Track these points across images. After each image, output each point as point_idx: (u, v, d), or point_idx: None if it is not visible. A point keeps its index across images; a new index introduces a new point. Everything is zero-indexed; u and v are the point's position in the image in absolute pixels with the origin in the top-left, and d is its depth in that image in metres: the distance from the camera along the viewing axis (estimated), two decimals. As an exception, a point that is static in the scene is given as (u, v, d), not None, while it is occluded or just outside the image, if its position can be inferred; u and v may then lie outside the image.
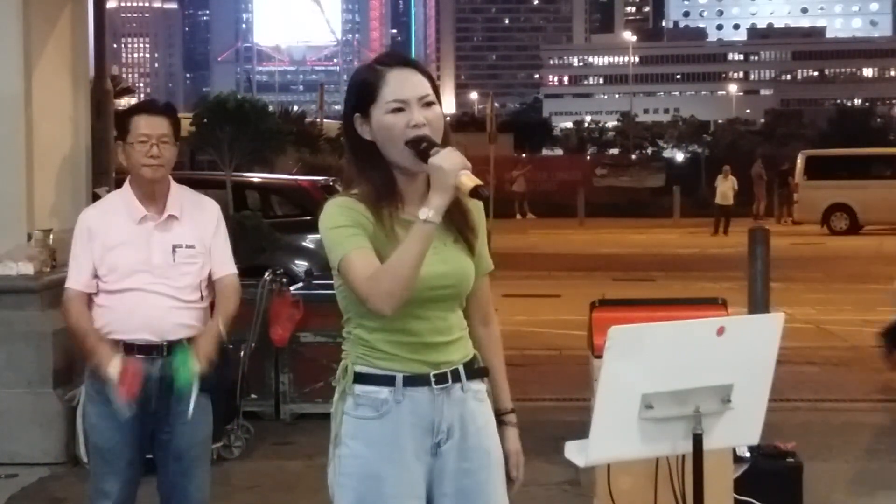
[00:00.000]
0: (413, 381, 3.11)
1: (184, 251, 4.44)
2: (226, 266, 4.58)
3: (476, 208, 3.23)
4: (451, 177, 2.92)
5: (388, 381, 3.11)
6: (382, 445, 3.10)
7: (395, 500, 3.10)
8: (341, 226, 3.05)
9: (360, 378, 3.13)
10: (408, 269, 2.94)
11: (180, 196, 4.53)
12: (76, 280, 4.47)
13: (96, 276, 4.44)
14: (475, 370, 3.22)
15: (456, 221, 3.14)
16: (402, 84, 3.07)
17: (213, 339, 4.43)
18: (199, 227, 4.51)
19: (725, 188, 30.06)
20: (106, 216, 4.51)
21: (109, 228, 4.44)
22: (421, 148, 3.01)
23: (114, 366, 4.29)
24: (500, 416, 3.29)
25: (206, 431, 4.60)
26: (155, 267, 4.40)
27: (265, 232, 9.32)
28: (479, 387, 3.23)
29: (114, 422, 4.41)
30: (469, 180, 2.93)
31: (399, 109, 3.05)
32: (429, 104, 3.07)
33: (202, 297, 4.50)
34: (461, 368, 3.17)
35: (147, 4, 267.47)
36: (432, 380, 3.12)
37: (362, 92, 3.10)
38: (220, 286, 4.55)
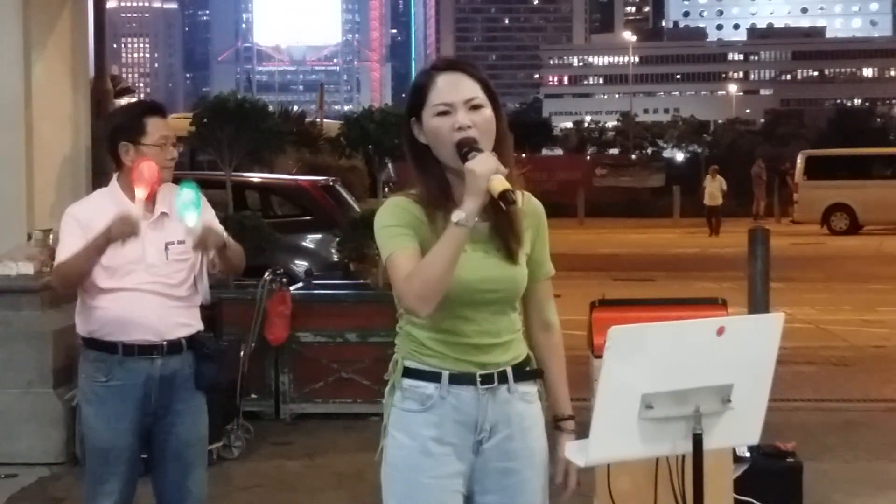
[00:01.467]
0: (459, 379, 3.16)
1: (176, 247, 4.44)
2: (225, 234, 4.61)
3: (533, 215, 3.25)
4: (482, 181, 2.95)
5: (434, 377, 3.16)
6: (425, 438, 3.16)
7: (435, 493, 3.15)
8: (390, 225, 3.11)
9: (409, 373, 3.19)
10: (438, 272, 2.97)
11: (167, 192, 4.51)
12: (66, 254, 4.40)
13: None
14: (526, 372, 3.25)
15: (502, 230, 3.16)
16: (449, 87, 3.11)
17: (219, 234, 4.41)
18: None
19: (714, 188, 29.93)
20: (95, 213, 4.45)
21: (99, 224, 4.39)
22: (462, 152, 3.04)
23: (135, 209, 4.28)
24: (557, 421, 3.33)
25: (204, 430, 4.61)
26: (150, 266, 4.40)
27: (265, 232, 9.30)
28: (529, 388, 3.25)
29: (112, 422, 4.40)
30: (499, 184, 2.95)
31: (445, 112, 3.09)
32: (476, 107, 3.11)
33: (195, 293, 4.51)
34: (509, 370, 3.20)
35: (147, 4, 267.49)
36: (478, 380, 3.16)
37: (415, 96, 3.16)
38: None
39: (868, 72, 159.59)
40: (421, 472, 3.15)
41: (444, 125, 3.09)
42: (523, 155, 47.89)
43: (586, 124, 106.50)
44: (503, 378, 3.19)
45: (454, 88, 3.11)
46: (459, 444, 3.17)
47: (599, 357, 3.51)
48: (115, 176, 4.54)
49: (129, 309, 4.37)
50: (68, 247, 4.42)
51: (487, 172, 2.95)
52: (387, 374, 3.26)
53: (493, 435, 3.19)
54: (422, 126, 3.15)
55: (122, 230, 4.26)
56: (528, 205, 3.24)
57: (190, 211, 4.32)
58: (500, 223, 3.15)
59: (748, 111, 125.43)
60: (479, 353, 3.17)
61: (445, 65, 3.19)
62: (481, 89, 3.14)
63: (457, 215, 2.96)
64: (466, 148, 3.04)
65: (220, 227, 4.57)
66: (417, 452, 3.16)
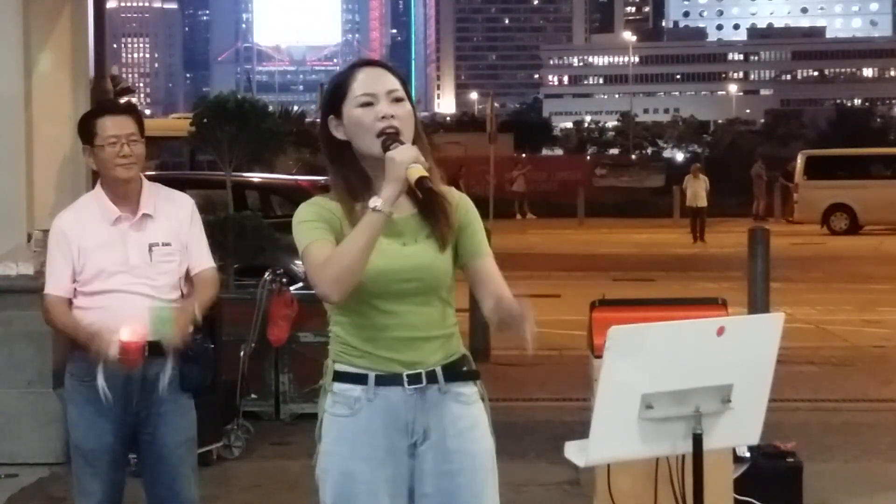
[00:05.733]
0: (385, 380, 3.15)
1: (160, 249, 4.42)
2: (203, 260, 4.55)
3: (459, 207, 3.24)
4: (400, 168, 3.01)
5: (361, 379, 3.15)
6: (355, 443, 3.14)
7: (369, 497, 3.13)
8: (306, 220, 3.18)
9: (338, 376, 3.19)
10: (353, 256, 3.01)
11: (153, 194, 4.49)
12: (55, 286, 4.43)
13: (75, 281, 4.41)
14: (461, 372, 3.22)
15: (431, 217, 3.18)
16: (371, 79, 3.18)
17: (189, 315, 4.38)
18: (174, 223, 4.48)
19: (697, 188, 27.95)
20: (80, 218, 4.47)
21: (85, 231, 4.41)
22: (384, 140, 3.11)
23: (113, 350, 4.25)
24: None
25: (191, 431, 4.55)
26: (133, 267, 4.38)
27: (265, 232, 9.30)
28: (464, 389, 3.22)
29: (94, 422, 4.39)
30: (416, 172, 3.02)
31: (368, 103, 3.14)
32: (398, 100, 3.16)
33: (182, 295, 4.47)
34: (439, 370, 3.17)
35: (147, 4, 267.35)
36: (405, 380, 3.14)
37: (335, 92, 3.21)
38: (198, 280, 4.52)
39: (868, 72, 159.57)
40: (354, 479, 3.14)
41: (366, 115, 3.14)
42: (523, 155, 47.94)
43: (586, 124, 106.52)
44: (432, 378, 3.16)
45: (377, 80, 3.17)
46: (392, 447, 3.15)
47: (599, 357, 3.51)
48: (99, 180, 4.54)
49: (112, 310, 4.34)
50: (55, 277, 4.44)
51: (407, 160, 3.02)
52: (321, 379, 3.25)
53: (427, 437, 3.17)
54: (340, 121, 3.19)
55: (99, 348, 4.28)
56: (453, 198, 3.24)
57: (162, 334, 4.32)
58: (429, 211, 3.17)
59: (748, 111, 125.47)
60: (405, 349, 3.14)
61: (364, 62, 3.27)
62: (401, 86, 3.19)
63: (374, 201, 3.02)
64: (387, 138, 3.10)
65: (202, 252, 4.55)
66: (350, 458, 3.14)
